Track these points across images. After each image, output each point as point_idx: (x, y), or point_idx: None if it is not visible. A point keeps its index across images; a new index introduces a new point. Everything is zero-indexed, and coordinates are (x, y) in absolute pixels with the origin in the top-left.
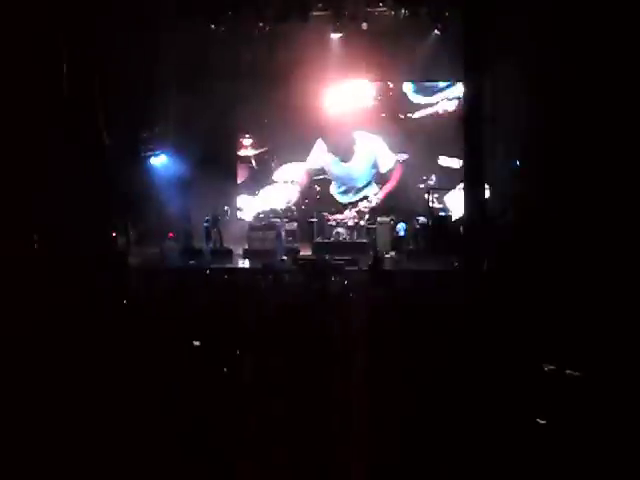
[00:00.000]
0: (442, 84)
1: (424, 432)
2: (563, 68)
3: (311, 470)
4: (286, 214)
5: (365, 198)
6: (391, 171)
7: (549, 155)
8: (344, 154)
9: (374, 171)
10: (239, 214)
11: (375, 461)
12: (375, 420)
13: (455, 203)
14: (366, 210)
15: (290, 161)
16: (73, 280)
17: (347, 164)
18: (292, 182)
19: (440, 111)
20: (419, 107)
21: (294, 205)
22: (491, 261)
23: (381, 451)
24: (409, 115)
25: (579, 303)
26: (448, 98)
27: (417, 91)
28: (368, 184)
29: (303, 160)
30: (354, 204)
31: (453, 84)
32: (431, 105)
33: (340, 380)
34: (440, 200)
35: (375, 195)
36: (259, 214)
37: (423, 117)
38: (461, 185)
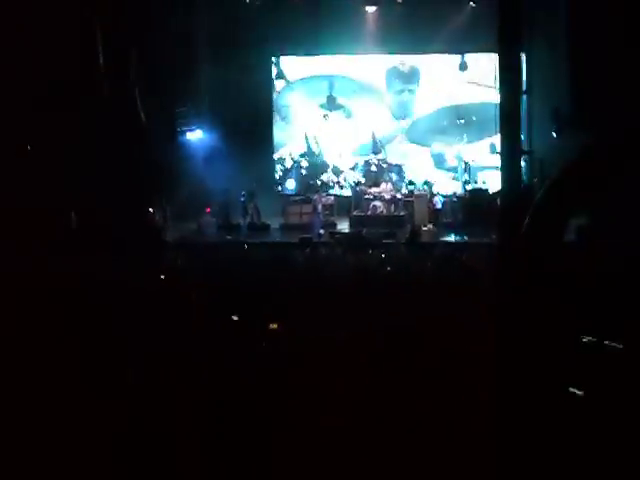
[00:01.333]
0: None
1: (460, 394)
2: (601, 38)
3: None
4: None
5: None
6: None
7: (585, 126)
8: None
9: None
10: (275, 188)
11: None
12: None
13: (493, 177)
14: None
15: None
16: (111, 256)
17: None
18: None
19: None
20: (456, 83)
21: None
22: (527, 232)
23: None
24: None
25: (619, 272)
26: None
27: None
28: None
29: None
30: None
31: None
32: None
33: (373, 354)
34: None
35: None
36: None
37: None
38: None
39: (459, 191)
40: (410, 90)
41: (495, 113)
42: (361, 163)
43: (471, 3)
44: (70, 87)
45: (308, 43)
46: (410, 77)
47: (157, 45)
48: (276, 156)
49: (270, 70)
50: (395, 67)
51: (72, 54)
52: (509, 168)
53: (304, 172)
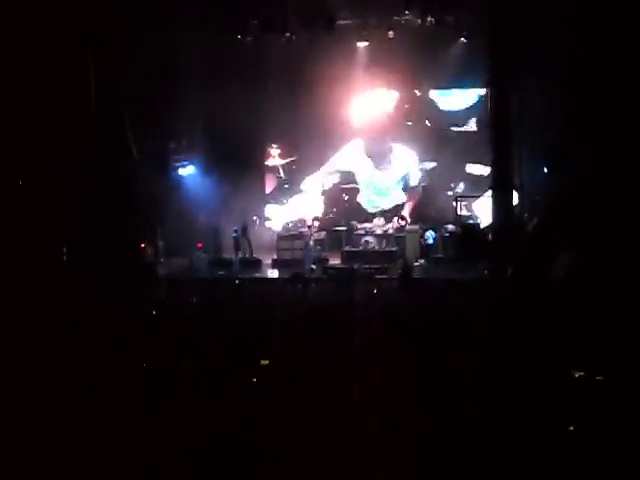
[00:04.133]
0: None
1: (449, 436)
2: (590, 74)
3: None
4: (314, 223)
5: (394, 210)
6: (419, 182)
7: (577, 161)
8: (380, 160)
9: (402, 184)
10: (267, 224)
11: (393, 463)
12: (395, 425)
13: (484, 211)
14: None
15: (318, 170)
16: (103, 291)
17: (380, 172)
18: (322, 191)
19: (473, 128)
20: (447, 116)
21: (322, 214)
22: (518, 267)
23: (398, 454)
24: (444, 129)
25: (609, 308)
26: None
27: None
28: (397, 196)
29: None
30: (382, 213)
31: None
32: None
33: (365, 388)
34: (469, 208)
35: (403, 206)
36: (288, 224)
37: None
38: (489, 192)
39: (450, 226)
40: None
41: None
42: None
43: (462, 39)
44: (62, 126)
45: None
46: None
47: (149, 83)
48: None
49: (263, 107)
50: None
51: (65, 94)
52: (500, 203)
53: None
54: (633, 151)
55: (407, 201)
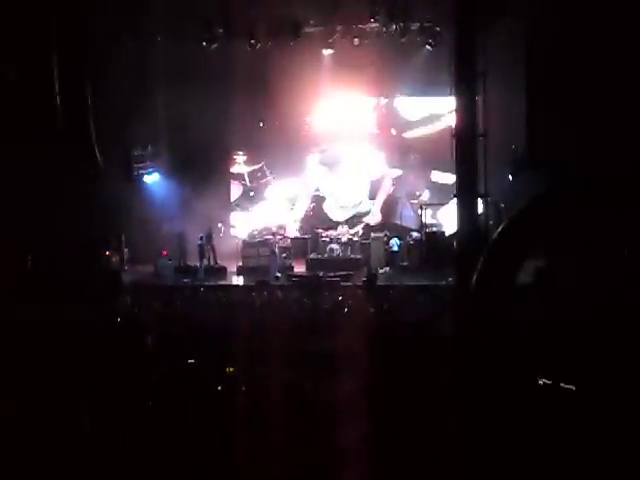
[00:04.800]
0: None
1: (417, 447)
2: (555, 82)
3: None
4: (279, 231)
5: (359, 217)
6: (381, 180)
7: (542, 168)
8: (338, 166)
9: (368, 191)
10: (232, 231)
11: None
12: (371, 434)
13: (448, 218)
14: (360, 227)
15: (283, 177)
16: (67, 298)
17: (341, 181)
18: (292, 205)
19: (434, 131)
20: (412, 124)
21: (287, 222)
22: (482, 274)
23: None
24: (403, 135)
25: (573, 314)
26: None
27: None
28: (361, 203)
29: (296, 176)
30: (348, 221)
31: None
32: (424, 124)
33: (332, 395)
34: (434, 215)
35: (368, 213)
36: (253, 231)
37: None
38: (454, 200)
39: (415, 234)
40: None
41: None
42: None
43: (428, 46)
44: (26, 128)
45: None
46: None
47: (114, 89)
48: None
49: (228, 114)
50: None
51: (29, 99)
52: (465, 210)
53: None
54: (599, 157)
55: (373, 208)
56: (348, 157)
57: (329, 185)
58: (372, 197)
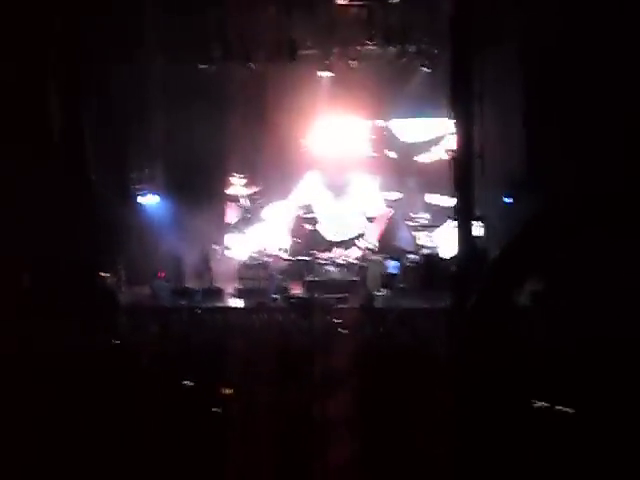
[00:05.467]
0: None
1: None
2: (553, 105)
3: None
4: (276, 253)
5: (355, 240)
6: (381, 213)
7: (540, 191)
8: (337, 189)
9: (364, 214)
10: (228, 253)
11: None
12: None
13: (446, 240)
14: (357, 249)
15: (281, 200)
16: (62, 319)
17: (338, 204)
18: (282, 222)
19: (437, 158)
20: (410, 146)
21: (284, 244)
22: (481, 297)
23: None
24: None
25: (570, 336)
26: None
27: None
28: (358, 226)
29: (293, 198)
30: (344, 243)
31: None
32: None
33: (329, 417)
34: (430, 238)
35: (364, 236)
36: (250, 253)
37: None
38: (451, 222)
39: (413, 256)
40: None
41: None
42: None
43: (425, 69)
44: (20, 149)
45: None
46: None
47: (111, 111)
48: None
49: (225, 137)
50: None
51: (24, 117)
52: (463, 233)
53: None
54: (597, 179)
55: (370, 231)
56: (354, 183)
57: (327, 208)
58: (369, 220)
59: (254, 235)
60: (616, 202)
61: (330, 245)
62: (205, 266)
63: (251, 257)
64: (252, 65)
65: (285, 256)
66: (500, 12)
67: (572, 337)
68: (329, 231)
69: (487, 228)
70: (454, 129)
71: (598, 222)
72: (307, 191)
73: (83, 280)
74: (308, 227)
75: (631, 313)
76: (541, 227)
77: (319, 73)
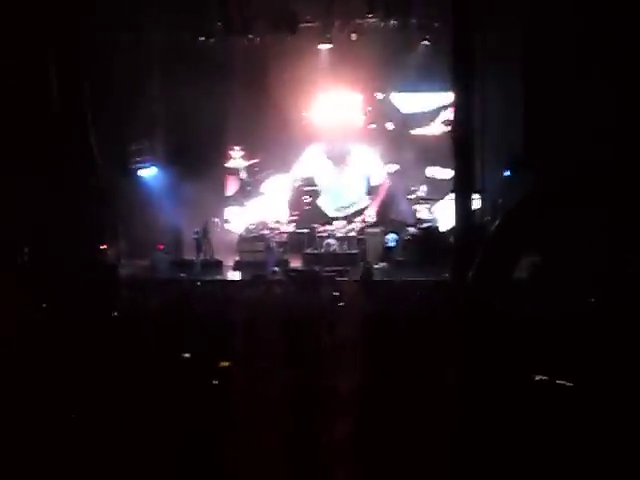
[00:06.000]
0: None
1: (414, 445)
2: (553, 78)
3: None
4: (276, 225)
5: (355, 213)
6: (381, 185)
7: (539, 164)
8: (338, 160)
9: (364, 186)
10: (227, 226)
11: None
12: (368, 433)
13: (445, 214)
14: (357, 222)
15: (281, 172)
16: (63, 291)
17: (339, 176)
18: (281, 195)
19: (437, 132)
20: (410, 119)
21: (284, 217)
22: (479, 270)
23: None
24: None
25: (569, 309)
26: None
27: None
28: (358, 199)
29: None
30: (344, 216)
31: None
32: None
33: (329, 394)
34: (430, 211)
35: (365, 209)
36: (249, 226)
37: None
38: (451, 195)
39: (412, 229)
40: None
41: None
42: None
43: (425, 42)
44: (22, 122)
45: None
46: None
47: (111, 83)
48: (229, 194)
49: (225, 109)
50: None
51: (26, 93)
52: (462, 206)
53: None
54: (596, 155)
55: (370, 203)
56: (354, 155)
57: (329, 180)
58: (369, 192)
59: (254, 208)
60: (608, 179)
61: (330, 218)
62: (204, 238)
63: (250, 230)
64: (253, 37)
65: (285, 229)
66: None
67: (569, 310)
68: (329, 204)
69: (486, 201)
70: (455, 103)
71: (593, 198)
72: (310, 158)
73: (83, 253)
74: (308, 200)
75: (625, 286)
76: (539, 201)
77: (320, 46)
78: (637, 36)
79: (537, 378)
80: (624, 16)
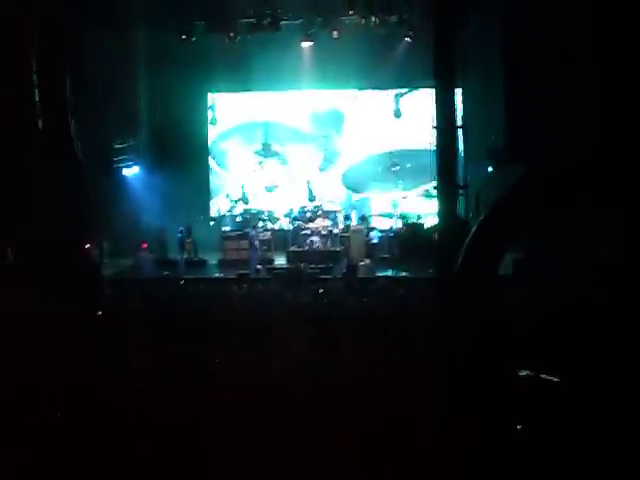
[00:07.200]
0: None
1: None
2: (535, 74)
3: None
4: (261, 223)
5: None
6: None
7: (521, 159)
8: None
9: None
10: (212, 224)
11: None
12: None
13: (430, 210)
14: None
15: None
16: (47, 291)
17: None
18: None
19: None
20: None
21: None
22: (464, 265)
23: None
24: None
25: (555, 306)
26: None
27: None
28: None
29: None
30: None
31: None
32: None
33: (313, 387)
34: (415, 207)
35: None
36: (235, 216)
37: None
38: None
39: (395, 226)
40: (325, 136)
41: (430, 160)
42: (296, 210)
43: (407, 39)
44: (4, 120)
45: (243, 79)
46: (328, 121)
47: (94, 81)
48: (213, 202)
49: (206, 107)
50: (313, 112)
51: (7, 90)
52: (445, 202)
53: (239, 219)
54: (577, 147)
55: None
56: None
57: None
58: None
59: (238, 206)
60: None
61: (313, 215)
62: (188, 237)
63: (235, 228)
64: (234, 35)
65: (269, 226)
66: None
67: (552, 305)
68: (311, 201)
69: (470, 198)
70: (436, 99)
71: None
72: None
73: (66, 252)
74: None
75: (614, 279)
76: (520, 196)
77: (302, 43)
78: (617, 31)
79: (522, 373)
80: (603, 10)
